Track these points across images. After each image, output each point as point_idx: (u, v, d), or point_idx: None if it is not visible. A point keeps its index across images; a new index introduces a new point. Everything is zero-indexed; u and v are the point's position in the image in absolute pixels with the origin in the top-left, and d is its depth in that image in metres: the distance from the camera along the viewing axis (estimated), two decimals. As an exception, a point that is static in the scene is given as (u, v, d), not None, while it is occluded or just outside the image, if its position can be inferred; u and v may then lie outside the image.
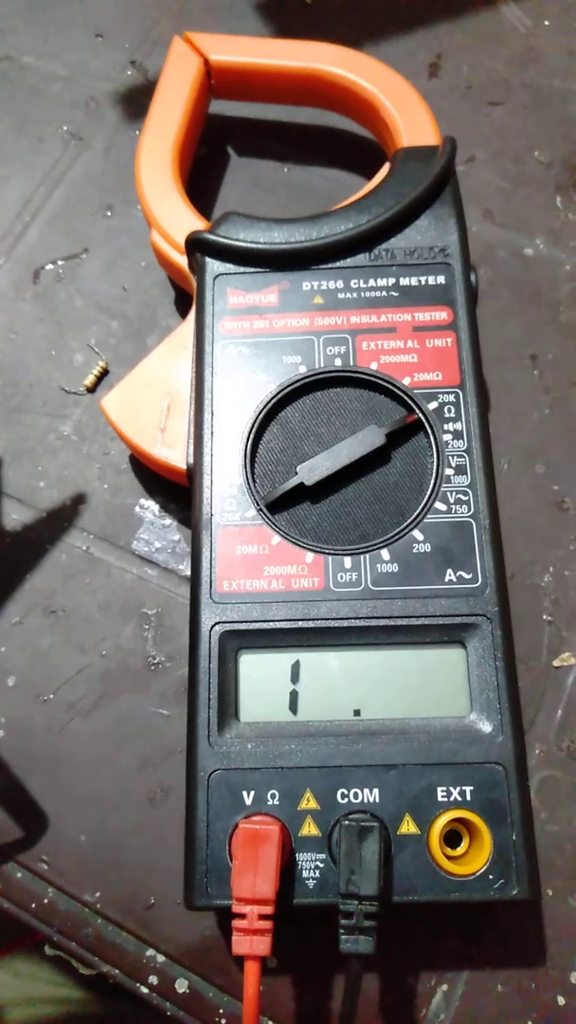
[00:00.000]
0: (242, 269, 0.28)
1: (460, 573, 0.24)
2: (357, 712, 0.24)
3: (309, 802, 0.23)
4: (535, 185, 0.36)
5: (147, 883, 0.26)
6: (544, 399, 0.32)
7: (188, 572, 0.30)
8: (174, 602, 0.29)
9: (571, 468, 0.31)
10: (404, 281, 0.28)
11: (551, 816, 0.27)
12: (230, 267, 0.28)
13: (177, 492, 0.31)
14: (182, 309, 0.34)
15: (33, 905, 0.26)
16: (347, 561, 0.25)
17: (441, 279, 0.28)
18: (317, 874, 0.22)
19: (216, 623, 0.24)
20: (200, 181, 0.36)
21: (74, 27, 0.39)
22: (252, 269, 0.28)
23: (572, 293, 0.34)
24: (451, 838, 0.23)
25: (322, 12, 0.39)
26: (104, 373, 0.33)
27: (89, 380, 0.32)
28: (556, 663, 0.29)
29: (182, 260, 0.30)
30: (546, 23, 0.39)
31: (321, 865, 0.22)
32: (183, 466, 0.27)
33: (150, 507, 0.31)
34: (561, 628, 0.29)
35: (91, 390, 0.32)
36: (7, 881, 0.27)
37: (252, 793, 0.23)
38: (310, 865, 0.22)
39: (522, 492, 0.31)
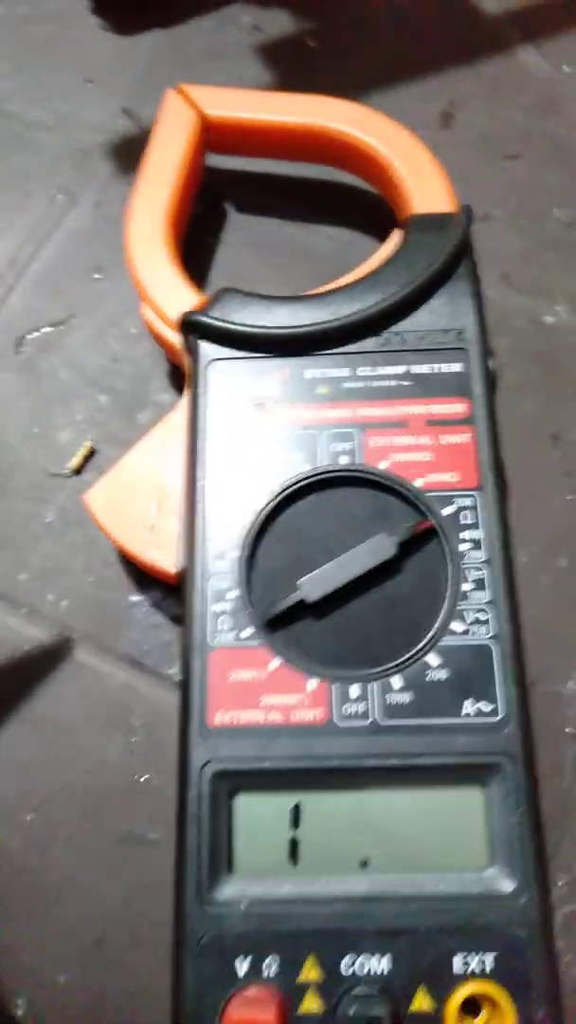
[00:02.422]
0: (240, 354, 0.26)
1: (479, 705, 0.22)
2: (364, 863, 0.21)
3: (311, 972, 0.20)
4: (555, 246, 0.33)
5: (132, 1036, 0.24)
6: (567, 483, 0.30)
7: (181, 676, 0.27)
8: (164, 711, 0.27)
9: (596, 562, 0.29)
10: (416, 369, 0.25)
11: (577, 959, 0.25)
12: (226, 352, 0.26)
13: (170, 588, 0.28)
14: (176, 382, 0.31)
15: (6, 1059, 0.24)
16: (354, 690, 0.22)
17: (457, 366, 0.25)
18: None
19: (207, 762, 0.22)
20: (196, 241, 0.33)
21: (63, 71, 0.37)
22: (251, 354, 0.26)
23: (596, 366, 0.31)
24: (469, 1004, 0.21)
25: (328, 56, 0.37)
26: (91, 453, 0.30)
27: (75, 461, 0.30)
28: (581, 783, 0.26)
29: (175, 337, 0.28)
30: (566, 69, 0.37)
31: (324, 1047, 0.20)
32: (173, 570, 0.25)
33: (139, 603, 0.28)
34: (586, 743, 0.27)
35: (77, 472, 0.30)
36: (-22, 1031, 0.24)
37: (247, 961, 0.20)
38: (312, 1047, 0.20)
39: (543, 588, 0.28)
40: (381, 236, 0.33)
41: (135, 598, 0.29)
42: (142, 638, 0.28)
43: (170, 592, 0.28)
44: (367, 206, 0.33)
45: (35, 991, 0.25)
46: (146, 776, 0.26)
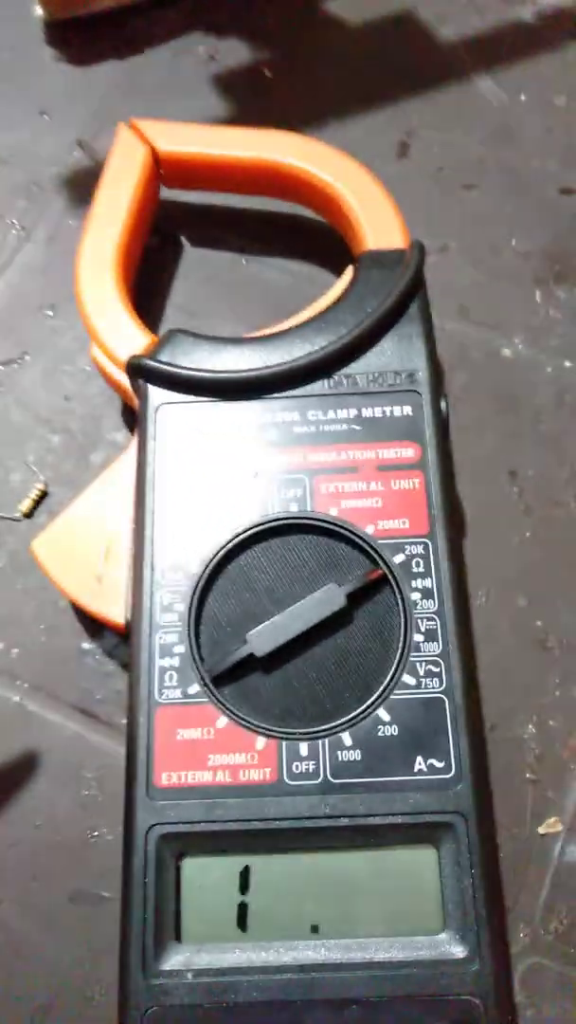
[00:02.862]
0: (189, 398, 0.25)
1: (431, 761, 0.22)
2: (315, 928, 0.21)
3: (260, 1045, 0.20)
4: (513, 278, 0.33)
5: None
6: (525, 521, 0.29)
7: (126, 734, 0.27)
8: (117, 763, 0.26)
9: (555, 600, 0.28)
10: (367, 412, 0.25)
11: (538, 1014, 0.24)
12: (175, 396, 0.25)
13: (123, 634, 0.28)
14: (130, 421, 0.31)
15: None
16: (303, 747, 0.22)
17: (408, 410, 0.25)
18: None
19: (153, 825, 0.21)
20: (150, 274, 0.33)
21: (16, 103, 0.37)
22: (200, 398, 0.25)
23: (554, 399, 0.31)
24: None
25: (283, 87, 0.37)
26: (43, 496, 0.30)
27: (26, 504, 0.29)
28: (541, 830, 0.26)
29: (125, 379, 0.27)
30: (522, 98, 0.37)
31: None
32: (122, 621, 0.24)
33: (91, 651, 0.28)
34: (546, 788, 0.26)
35: (28, 515, 0.29)
36: None
37: (194, 1035, 0.20)
38: None
39: (502, 629, 0.28)
40: (338, 269, 0.33)
41: (87, 645, 0.28)
42: (94, 687, 0.27)
43: (124, 640, 0.28)
44: (323, 239, 0.33)
45: (-17, 1059, 0.24)
46: (98, 831, 0.26)
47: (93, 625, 0.28)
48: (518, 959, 0.24)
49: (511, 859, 0.25)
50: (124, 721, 0.27)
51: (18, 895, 0.25)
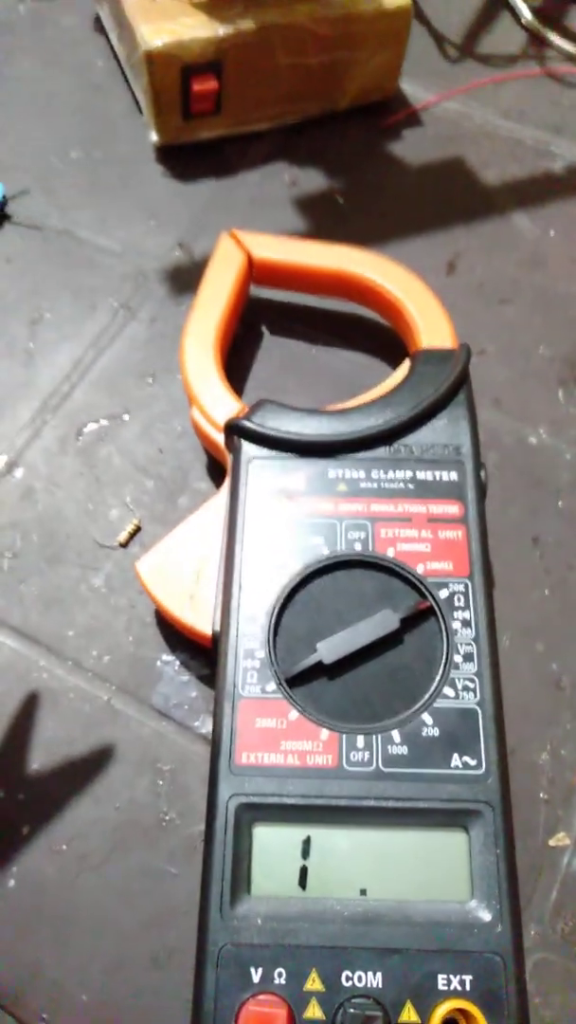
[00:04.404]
0: (275, 454, 0.31)
1: (465, 759, 0.26)
2: (363, 891, 0.25)
3: (314, 983, 0.23)
4: (540, 378, 0.39)
5: (146, 1051, 0.27)
6: (545, 579, 0.35)
7: (203, 729, 0.31)
8: (188, 759, 0.31)
9: (569, 648, 0.33)
10: (420, 475, 0.31)
11: (545, 1001, 0.28)
12: (264, 452, 0.31)
13: (197, 650, 0.32)
14: (212, 473, 0.36)
15: (30, 1067, 0.27)
16: (360, 740, 0.26)
17: (454, 475, 0.31)
18: (319, 1059, 0.23)
19: (233, 795, 0.26)
20: (236, 357, 0.39)
21: (129, 207, 0.44)
22: (283, 455, 0.31)
23: (571, 481, 0.37)
24: (449, 1019, 0.24)
25: (353, 210, 0.44)
26: (137, 530, 0.35)
27: (123, 536, 0.35)
28: (552, 843, 0.30)
29: (218, 437, 0.33)
30: (552, 233, 0.44)
31: (323, 1050, 0.23)
32: (209, 632, 0.29)
33: (171, 662, 0.33)
34: (557, 807, 0.30)
35: (124, 545, 0.35)
36: (6, 1040, 0.27)
37: (260, 970, 0.24)
38: (312, 1050, 0.23)
39: (522, 669, 0.33)
40: (391, 361, 0.39)
41: (167, 657, 0.33)
42: (171, 693, 0.32)
43: (197, 654, 0.33)
44: (380, 336, 0.39)
45: (58, 1008, 0.27)
46: (169, 816, 0.30)
47: (173, 640, 0.33)
48: (528, 954, 0.28)
49: (525, 868, 0.29)
50: (196, 723, 0.31)
51: (97, 865, 0.29)
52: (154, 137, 0.45)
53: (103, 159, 0.46)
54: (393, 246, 0.43)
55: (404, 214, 0.44)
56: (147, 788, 0.30)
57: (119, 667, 0.32)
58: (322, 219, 0.44)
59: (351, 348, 0.40)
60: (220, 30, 0.40)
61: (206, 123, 0.44)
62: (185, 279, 0.42)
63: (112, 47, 0.48)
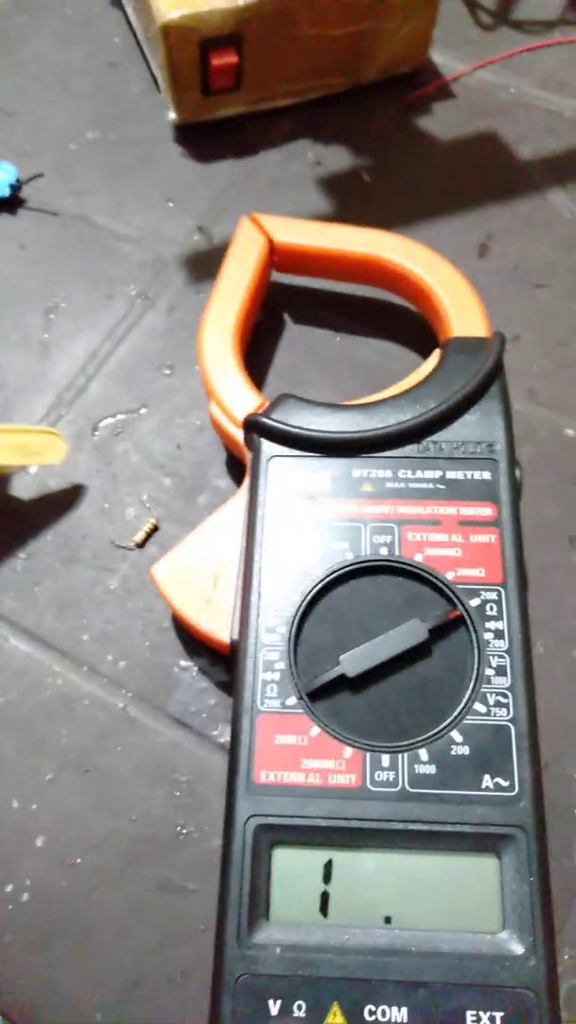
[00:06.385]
0: (296, 452, 0.29)
1: (497, 780, 0.25)
2: (388, 919, 0.24)
3: (336, 1016, 0.22)
4: (577, 367, 0.37)
5: (161, 1075, 0.26)
6: (582, 582, 0.33)
7: (222, 739, 0.30)
8: (206, 770, 0.30)
9: (607, 656, 0.31)
10: (451, 475, 0.29)
11: (579, 1031, 0.26)
12: (284, 450, 0.29)
13: (216, 656, 0.31)
14: (232, 470, 0.35)
15: None
16: (385, 759, 0.25)
17: (487, 475, 0.29)
18: None
19: (251, 816, 0.24)
20: (257, 346, 0.37)
21: (148, 193, 0.42)
22: (305, 453, 0.29)
23: (611, 477, 0.35)
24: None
25: (380, 190, 0.42)
26: (154, 530, 0.34)
27: (139, 536, 0.33)
28: (588, 862, 0.28)
29: (237, 433, 0.31)
30: (591, 211, 0.41)
31: None
32: (227, 639, 0.28)
33: (189, 668, 0.31)
34: (593, 825, 0.29)
35: (140, 545, 0.33)
36: (19, 1059, 0.26)
37: (279, 1003, 0.22)
38: None
39: (557, 677, 0.31)
40: (420, 350, 0.37)
41: (185, 663, 0.32)
42: (189, 700, 0.31)
43: (216, 660, 0.31)
44: (409, 323, 0.38)
45: (73, 1026, 0.26)
46: (187, 829, 0.29)
47: (191, 646, 0.32)
48: (563, 979, 0.27)
49: (559, 888, 0.28)
50: (215, 732, 0.30)
51: (112, 880, 0.28)
52: (172, 115, 0.43)
53: (120, 140, 0.44)
54: (422, 228, 0.41)
55: (434, 194, 0.42)
56: (164, 800, 0.29)
57: (135, 673, 0.31)
58: (347, 199, 0.42)
59: (377, 336, 0.38)
60: (240, 1, 0.38)
61: (226, 100, 0.42)
62: (205, 265, 0.40)
63: (129, 22, 0.46)
